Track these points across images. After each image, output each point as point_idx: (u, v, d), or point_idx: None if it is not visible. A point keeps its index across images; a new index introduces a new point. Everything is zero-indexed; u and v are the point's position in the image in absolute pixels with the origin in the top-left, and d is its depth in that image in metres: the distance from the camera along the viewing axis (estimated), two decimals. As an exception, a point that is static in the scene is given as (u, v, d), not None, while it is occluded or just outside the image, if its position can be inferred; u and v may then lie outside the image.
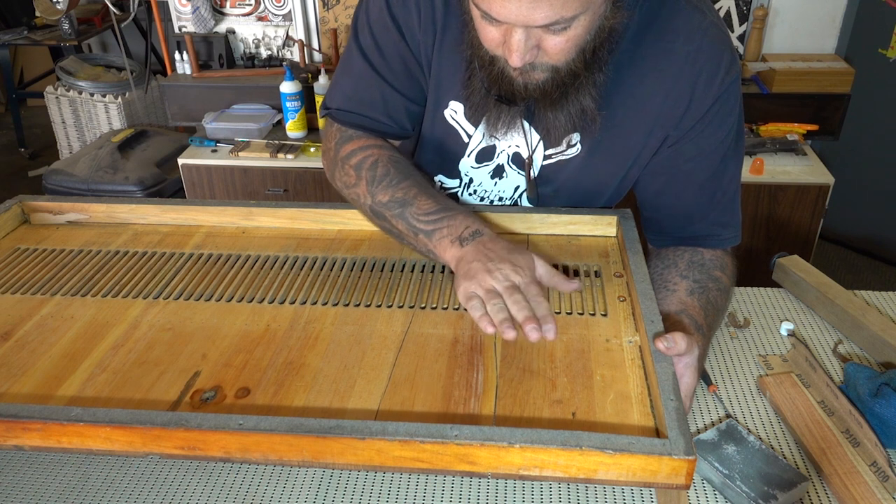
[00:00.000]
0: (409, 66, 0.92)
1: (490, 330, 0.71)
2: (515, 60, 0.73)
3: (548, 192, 0.99)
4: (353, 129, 0.96)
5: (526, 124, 0.92)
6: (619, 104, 0.87)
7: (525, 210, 0.98)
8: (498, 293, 0.73)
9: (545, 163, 0.95)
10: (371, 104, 0.95)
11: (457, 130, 0.96)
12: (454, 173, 1.01)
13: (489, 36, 0.76)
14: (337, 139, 0.97)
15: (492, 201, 1.02)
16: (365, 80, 0.94)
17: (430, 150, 1.00)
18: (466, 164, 0.99)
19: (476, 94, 0.87)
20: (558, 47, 0.74)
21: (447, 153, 0.99)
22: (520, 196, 1.01)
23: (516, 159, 0.97)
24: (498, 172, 0.99)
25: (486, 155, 0.97)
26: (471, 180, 1.01)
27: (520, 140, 0.94)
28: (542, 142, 0.93)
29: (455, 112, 0.94)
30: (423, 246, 0.86)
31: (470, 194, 1.02)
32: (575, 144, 0.93)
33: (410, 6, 0.88)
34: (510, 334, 0.70)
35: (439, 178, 1.03)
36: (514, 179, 0.99)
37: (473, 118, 0.93)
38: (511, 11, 0.69)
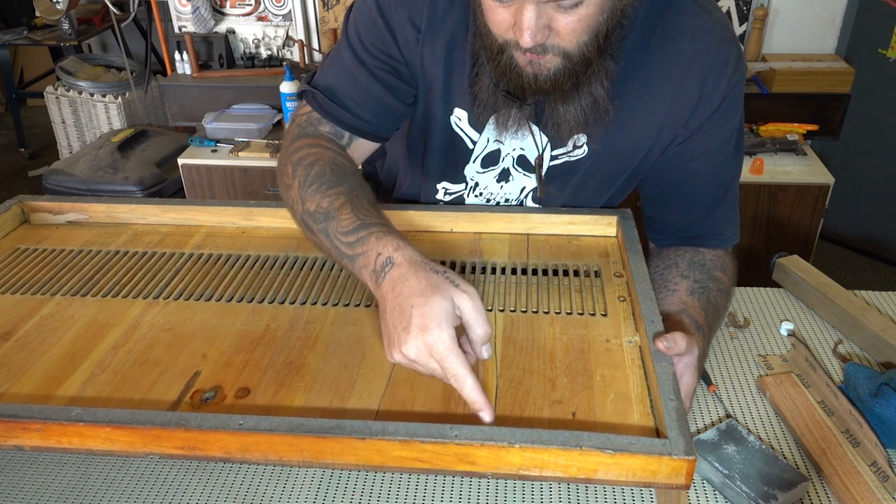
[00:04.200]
0: (398, 68, 0.90)
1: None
2: (526, 39, 0.70)
3: (551, 190, 0.98)
4: (328, 118, 0.90)
5: (535, 127, 0.91)
6: (628, 105, 0.87)
7: (525, 210, 0.98)
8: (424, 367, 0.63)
9: (552, 164, 0.95)
10: (358, 96, 0.90)
11: (461, 138, 0.95)
12: (459, 178, 1.00)
13: (498, 18, 0.73)
14: (295, 134, 0.89)
15: (497, 203, 1.02)
16: (354, 72, 0.90)
17: (436, 158, 0.98)
18: (472, 169, 0.98)
19: (484, 92, 0.84)
20: (570, 27, 0.71)
21: (452, 160, 0.98)
22: (525, 196, 1.01)
23: (521, 161, 0.96)
24: (504, 176, 0.98)
25: (491, 160, 0.97)
26: (476, 184, 1.00)
27: (525, 142, 0.94)
28: (549, 143, 0.93)
29: (459, 119, 0.93)
30: (352, 272, 0.73)
31: (476, 196, 1.02)
32: (581, 146, 0.92)
33: (409, 11, 0.86)
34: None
35: (444, 184, 1.02)
36: (521, 181, 0.98)
37: (479, 121, 0.91)
38: None
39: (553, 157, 0.94)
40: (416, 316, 0.61)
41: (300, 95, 0.94)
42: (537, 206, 1.01)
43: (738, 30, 2.37)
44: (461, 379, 0.60)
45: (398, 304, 0.62)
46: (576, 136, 0.91)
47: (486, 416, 0.61)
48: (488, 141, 0.94)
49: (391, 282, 0.64)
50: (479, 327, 0.62)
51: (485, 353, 0.63)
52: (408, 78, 0.91)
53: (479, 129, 0.93)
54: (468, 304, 0.62)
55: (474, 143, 0.95)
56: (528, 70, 0.77)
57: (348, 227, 0.72)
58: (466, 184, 1.00)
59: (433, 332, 0.60)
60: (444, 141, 0.95)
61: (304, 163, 0.82)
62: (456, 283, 0.63)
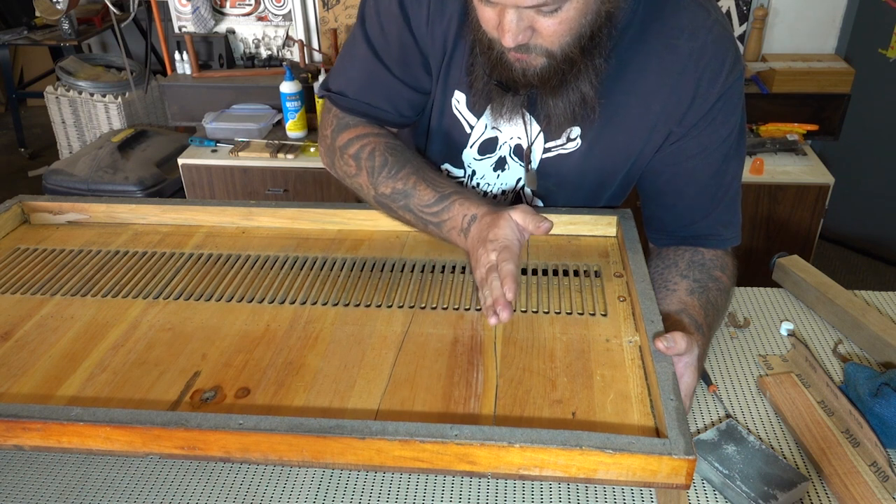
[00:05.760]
0: (412, 56, 0.93)
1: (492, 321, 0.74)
2: (508, 41, 0.74)
3: (549, 185, 0.99)
4: (352, 115, 0.97)
5: (527, 115, 0.92)
6: (622, 100, 0.87)
7: (525, 210, 0.98)
8: (483, 281, 0.78)
9: (545, 156, 0.95)
10: (372, 91, 0.95)
11: (460, 121, 0.96)
12: (458, 163, 1.02)
13: (486, 16, 0.77)
14: (334, 126, 0.98)
15: (495, 195, 1.02)
16: (368, 67, 0.94)
17: (437, 140, 1.00)
18: (469, 154, 0.99)
19: (479, 80, 0.87)
20: (551, 29, 0.74)
21: (452, 143, 1.00)
22: (521, 188, 1.01)
23: (518, 151, 0.97)
24: (500, 165, 0.99)
25: (488, 147, 0.98)
26: (474, 172, 1.01)
27: (521, 131, 0.94)
28: (542, 133, 0.93)
29: (458, 102, 0.95)
30: (439, 236, 0.90)
31: (474, 186, 1.02)
32: (575, 139, 0.93)
33: (426, 3, 0.88)
34: (490, 320, 0.73)
35: (446, 166, 1.03)
36: (517, 171, 0.99)
37: (476, 107, 0.93)
38: None
39: (546, 150, 0.95)
40: (489, 237, 0.80)
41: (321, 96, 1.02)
42: (539, 205, 1.01)
43: (738, 30, 2.37)
44: (504, 273, 0.74)
45: (482, 238, 0.81)
46: (569, 129, 0.92)
47: (500, 315, 0.72)
48: (486, 127, 0.96)
49: (477, 229, 0.83)
50: (530, 224, 0.80)
51: (543, 227, 0.80)
52: (426, 65, 0.94)
53: (477, 115, 0.95)
54: (519, 215, 0.80)
55: (472, 127, 0.96)
56: (516, 65, 0.80)
57: (430, 200, 0.88)
58: (465, 171, 1.02)
59: (500, 241, 0.78)
60: (444, 123, 0.98)
61: (363, 154, 0.94)
62: (510, 208, 0.81)
